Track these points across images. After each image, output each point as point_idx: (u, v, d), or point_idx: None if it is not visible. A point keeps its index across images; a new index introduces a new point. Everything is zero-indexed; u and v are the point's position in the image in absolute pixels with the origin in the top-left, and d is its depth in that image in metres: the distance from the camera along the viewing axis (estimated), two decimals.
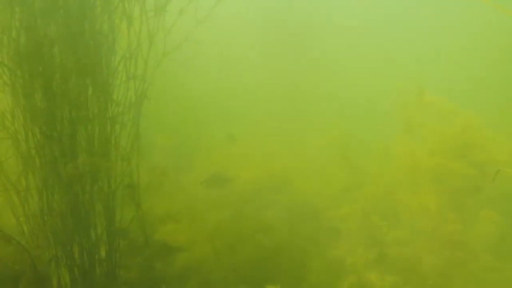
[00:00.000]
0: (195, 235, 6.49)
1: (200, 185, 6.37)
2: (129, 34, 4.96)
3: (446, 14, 7.23)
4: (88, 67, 4.86)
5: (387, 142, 6.17)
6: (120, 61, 4.97)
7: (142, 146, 4.94)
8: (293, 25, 7.52)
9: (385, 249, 5.07)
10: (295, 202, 6.91)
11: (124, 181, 5.00)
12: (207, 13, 4.76)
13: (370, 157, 6.34)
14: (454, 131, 5.75)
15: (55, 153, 4.84)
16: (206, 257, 6.30)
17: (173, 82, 5.84)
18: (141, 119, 4.96)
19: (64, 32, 4.78)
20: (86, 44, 4.83)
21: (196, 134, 7.18)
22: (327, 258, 5.17)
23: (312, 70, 7.04)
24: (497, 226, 5.37)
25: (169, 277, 5.68)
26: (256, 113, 7.45)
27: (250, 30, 7.41)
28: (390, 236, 5.18)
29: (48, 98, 4.79)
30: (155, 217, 5.60)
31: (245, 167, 7.41)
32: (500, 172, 3.91)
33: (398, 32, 6.93)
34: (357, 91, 6.85)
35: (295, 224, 6.36)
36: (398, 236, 5.24)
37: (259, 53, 7.46)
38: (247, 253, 6.39)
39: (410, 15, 7.21)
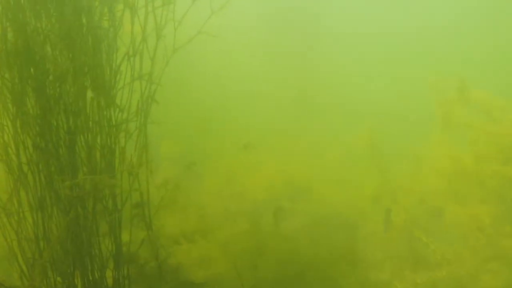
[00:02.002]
0: (211, 251, 5.90)
1: None
2: (133, 28, 4.30)
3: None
4: (87, 67, 4.17)
5: (423, 144, 5.52)
6: (123, 59, 4.30)
7: (151, 157, 4.31)
8: (310, 17, 6.87)
9: (436, 270, 4.41)
10: (316, 213, 6.28)
11: (131, 199, 4.35)
12: (224, 2, 4.11)
13: (403, 160, 5.68)
14: (504, 130, 5.08)
15: (51, 168, 4.20)
16: (225, 275, 5.72)
17: (181, 82, 5.19)
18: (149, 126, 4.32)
19: (58, 26, 4.12)
20: (84, 40, 4.14)
21: (206, 140, 6.54)
22: (369, 281, 4.50)
23: (333, 64, 6.39)
24: None
25: None
26: (269, 116, 6.80)
27: (261, 25, 6.77)
28: (438, 254, 4.51)
29: (42, 104, 4.12)
30: (167, 237, 4.98)
31: (259, 175, 6.79)
32: None
33: (434, 19, 6.29)
34: (388, 86, 6.21)
35: (321, 238, 5.73)
36: (448, 255, 4.57)
37: (270, 49, 6.83)
38: (270, 269, 5.79)
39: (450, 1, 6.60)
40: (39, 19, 4.09)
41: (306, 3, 6.83)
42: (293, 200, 6.67)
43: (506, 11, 6.52)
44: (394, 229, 4.97)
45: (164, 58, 4.33)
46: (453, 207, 4.96)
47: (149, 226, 4.36)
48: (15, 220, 4.22)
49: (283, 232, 6.28)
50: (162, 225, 4.97)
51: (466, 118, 5.28)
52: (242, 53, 6.07)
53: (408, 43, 6.13)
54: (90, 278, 4.33)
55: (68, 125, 4.21)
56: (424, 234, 4.65)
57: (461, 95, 5.41)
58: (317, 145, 6.29)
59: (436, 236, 4.63)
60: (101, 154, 4.30)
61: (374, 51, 6.43)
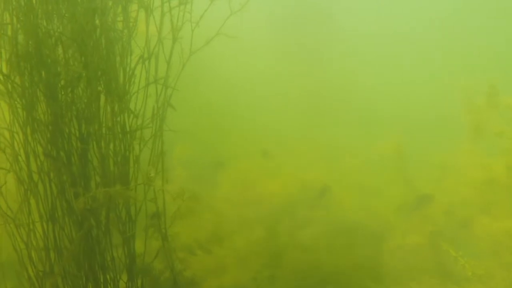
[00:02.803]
0: (227, 260, 5.70)
1: None
2: (148, 29, 4.11)
3: None
4: (100, 71, 4.02)
5: (450, 152, 5.26)
6: (138, 63, 4.12)
7: (167, 166, 4.11)
8: (327, 18, 6.62)
9: (465, 287, 4.14)
10: (336, 221, 6.05)
11: (146, 209, 4.17)
12: (243, 1, 3.89)
13: (430, 169, 5.42)
14: None
15: (62, 177, 4.02)
16: (242, 286, 5.52)
17: (194, 85, 4.98)
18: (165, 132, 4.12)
19: (70, 28, 3.95)
20: (97, 42, 3.98)
21: (220, 145, 6.33)
22: None
23: (353, 67, 6.14)
24: None
25: None
26: (286, 121, 6.56)
27: (276, 27, 6.53)
28: (469, 271, 4.25)
29: (53, 110, 3.96)
30: (182, 246, 4.77)
31: (275, 181, 6.57)
32: None
33: (461, 20, 6.01)
34: (413, 91, 5.93)
35: (341, 248, 5.50)
36: (479, 270, 4.30)
37: (286, 52, 6.59)
38: (288, 280, 5.57)
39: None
40: (50, 21, 3.94)
41: (322, 4, 6.59)
42: (311, 207, 6.46)
43: None
44: (420, 241, 4.71)
45: (180, 61, 4.15)
46: (482, 219, 4.69)
47: (165, 237, 4.17)
48: (25, 230, 4.06)
49: (301, 241, 6.07)
50: (176, 233, 4.79)
51: (496, 125, 5.00)
52: (257, 56, 5.86)
53: (434, 46, 5.86)
54: None
55: (80, 132, 4.04)
56: (453, 247, 4.38)
57: (491, 101, 5.14)
58: (336, 152, 6.05)
59: (466, 250, 4.36)
60: (115, 162, 4.13)
61: (397, 54, 6.16)
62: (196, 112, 5.68)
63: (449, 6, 5.93)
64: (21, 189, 3.88)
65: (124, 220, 4.27)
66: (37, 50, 3.84)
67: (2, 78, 3.80)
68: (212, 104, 6.02)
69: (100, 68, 3.98)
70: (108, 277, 4.27)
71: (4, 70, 3.80)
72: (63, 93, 3.91)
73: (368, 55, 6.13)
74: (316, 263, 5.34)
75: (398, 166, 5.46)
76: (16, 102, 3.90)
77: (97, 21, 3.95)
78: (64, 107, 3.92)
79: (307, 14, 6.35)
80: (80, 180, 4.04)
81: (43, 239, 4.09)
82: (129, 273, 4.34)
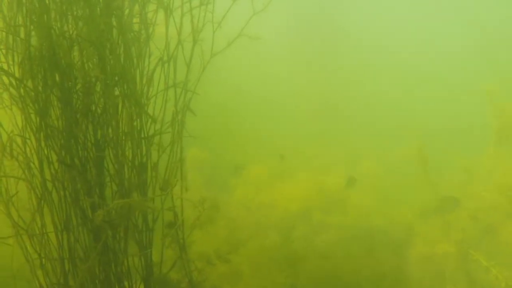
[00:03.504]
0: (242, 267, 5.53)
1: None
2: (168, 31, 3.92)
3: None
4: (117, 74, 3.84)
5: (476, 156, 5.08)
6: (157, 65, 3.94)
7: (186, 173, 3.93)
8: (349, 26, 6.39)
9: None
10: (354, 226, 5.86)
11: (164, 218, 3.99)
12: (268, 1, 3.71)
13: (454, 174, 5.24)
14: None
15: (77, 185, 3.84)
16: None
17: (214, 88, 4.80)
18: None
19: (86, 29, 3.78)
20: (114, 44, 3.81)
21: (234, 150, 6.15)
22: None
23: (375, 73, 5.94)
24: None
25: None
26: (301, 124, 6.37)
27: (297, 29, 6.32)
28: (502, 282, 4.05)
29: (67, 115, 3.78)
30: (199, 256, 4.60)
31: (290, 185, 6.38)
32: None
33: (488, 21, 5.81)
34: (436, 93, 5.74)
35: (361, 255, 5.32)
36: None
37: (302, 57, 6.38)
38: None
39: None
40: (65, 22, 3.75)
41: (337, 9, 6.38)
42: (328, 212, 6.28)
43: None
44: (448, 249, 4.52)
45: (201, 64, 3.97)
46: (510, 225, 4.53)
47: (183, 248, 4.00)
48: (38, 240, 3.89)
49: (318, 247, 5.89)
50: (192, 241, 4.62)
51: None
52: (276, 58, 5.67)
53: (458, 48, 5.67)
54: None
55: (96, 138, 3.86)
56: (483, 256, 4.18)
57: None
58: (355, 155, 5.87)
59: (497, 259, 4.18)
60: (131, 169, 3.95)
61: (421, 57, 5.97)
62: (210, 115, 5.50)
63: (473, 8, 5.74)
64: (34, 198, 3.72)
65: (141, 229, 4.12)
66: (51, 53, 3.68)
67: (14, 83, 3.63)
68: (226, 107, 5.84)
69: (117, 71, 3.83)
70: (126, 285, 4.12)
71: (17, 74, 3.63)
72: (78, 97, 3.75)
73: (390, 59, 5.94)
74: (335, 271, 5.16)
75: (421, 170, 5.28)
76: (28, 107, 3.74)
77: (114, 22, 3.80)
78: (79, 112, 3.77)
79: (326, 20, 6.16)
80: (95, 188, 3.88)
81: (57, 250, 3.93)
82: (146, 284, 4.18)
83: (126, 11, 3.83)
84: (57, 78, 3.70)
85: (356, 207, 5.93)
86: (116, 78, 3.73)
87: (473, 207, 4.89)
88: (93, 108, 3.76)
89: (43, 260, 3.87)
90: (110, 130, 3.83)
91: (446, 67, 5.79)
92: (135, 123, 3.94)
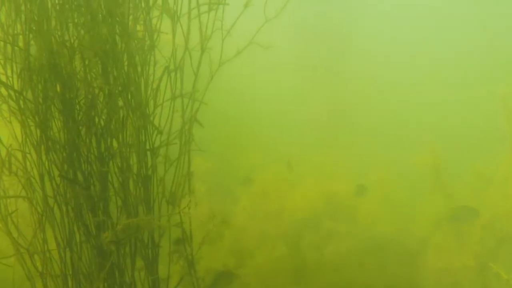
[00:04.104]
0: (249, 278, 5.37)
1: None
2: (174, 38, 3.74)
3: None
4: (120, 84, 3.67)
5: (492, 164, 4.93)
6: (163, 74, 3.77)
7: (195, 187, 3.77)
8: (359, 33, 6.20)
9: None
10: (364, 236, 5.69)
11: (171, 234, 3.83)
12: (280, 7, 3.53)
13: (469, 181, 5.08)
14: None
15: (80, 200, 3.67)
16: None
17: (221, 97, 4.61)
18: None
19: (88, 37, 3.60)
20: (117, 52, 3.63)
21: (240, 158, 5.97)
22: None
23: (388, 79, 5.75)
24: None
25: None
26: (308, 132, 6.19)
27: (306, 38, 6.12)
28: None
29: (69, 127, 3.61)
30: (209, 272, 4.44)
31: (297, 193, 6.22)
32: None
33: (503, 25, 5.62)
34: (450, 100, 5.57)
35: (372, 266, 5.16)
36: None
37: (309, 64, 6.19)
38: None
39: None
40: (66, 30, 3.57)
41: (345, 16, 6.19)
42: (337, 220, 6.12)
43: None
44: (462, 259, 4.36)
45: (209, 73, 3.79)
46: None
47: (191, 264, 3.83)
48: (40, 258, 3.72)
49: (328, 257, 5.72)
50: (200, 257, 4.45)
51: None
52: (285, 66, 5.49)
53: (472, 53, 5.50)
54: None
55: (99, 151, 3.69)
56: (503, 269, 4.01)
57: None
58: (365, 163, 5.70)
59: None
60: (137, 183, 3.78)
61: (435, 62, 5.79)
62: (216, 123, 5.32)
63: (487, 9, 5.56)
64: (35, 215, 3.55)
65: (147, 244, 3.95)
66: (51, 62, 3.50)
67: (13, 94, 3.45)
68: (233, 115, 5.67)
69: (121, 81, 3.65)
70: None
71: (15, 85, 3.46)
72: (80, 109, 3.58)
73: (400, 63, 5.76)
74: (345, 283, 5.01)
75: (434, 177, 5.11)
76: (29, 120, 3.57)
77: (117, 30, 3.62)
78: (82, 124, 3.60)
79: (334, 26, 5.98)
80: (99, 203, 3.72)
81: (60, 266, 3.77)
82: None
83: (130, 17, 3.68)
84: (58, 88, 3.56)
85: (367, 215, 5.76)
86: (120, 88, 3.57)
87: (489, 216, 4.74)
88: (96, 119, 3.61)
89: (46, 278, 3.73)
90: (114, 143, 3.68)
91: (458, 71, 5.63)
92: (141, 135, 3.79)
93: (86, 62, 3.29)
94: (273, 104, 5.86)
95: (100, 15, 3.54)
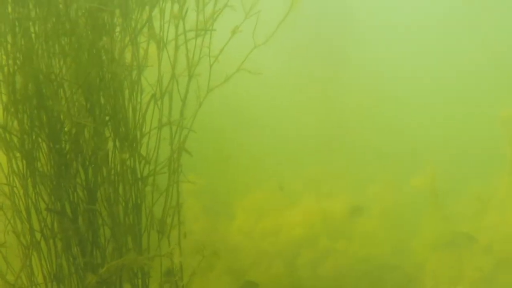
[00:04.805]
0: None
1: None
2: (161, 64, 3.69)
3: None
4: (107, 113, 3.62)
5: (491, 187, 4.83)
6: (150, 102, 3.71)
7: (185, 216, 3.70)
8: (354, 54, 6.11)
9: None
10: (361, 258, 5.59)
11: (162, 265, 3.76)
12: (270, 33, 3.47)
13: (468, 205, 4.98)
14: None
15: (68, 233, 3.61)
16: None
17: (212, 120, 4.54)
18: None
19: (74, 65, 3.55)
20: (103, 80, 3.58)
21: (235, 176, 5.91)
22: None
23: (384, 96, 5.66)
24: None
25: None
26: (304, 149, 6.09)
27: (298, 60, 6.04)
28: None
29: (56, 158, 3.56)
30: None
31: (293, 211, 6.14)
32: None
33: (504, 45, 5.48)
34: (449, 120, 5.47)
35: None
36: None
37: (301, 82, 6.11)
38: None
39: None
40: (52, 57, 3.51)
41: (339, 36, 6.11)
42: (333, 240, 6.03)
43: None
44: (459, 283, 4.25)
45: (197, 100, 3.73)
46: None
47: None
48: None
49: (323, 276, 5.65)
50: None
51: None
52: (275, 88, 5.42)
53: (472, 72, 5.41)
54: None
55: (87, 181, 3.63)
56: None
57: None
58: (360, 183, 5.62)
59: None
60: (125, 213, 3.72)
61: (432, 82, 5.69)
62: (207, 143, 5.25)
63: (488, 32, 5.47)
64: (21, 248, 3.48)
65: (136, 273, 3.88)
66: (37, 92, 3.45)
67: None
68: (225, 134, 5.60)
69: (108, 109, 3.60)
70: None
71: (0, 116, 3.40)
72: (67, 139, 3.52)
73: (398, 83, 5.67)
74: None
75: (432, 201, 5.01)
76: (13, 151, 3.50)
77: (103, 56, 3.56)
78: (68, 154, 3.53)
79: (328, 46, 5.91)
80: (88, 235, 3.65)
81: None
82: None
83: (118, 45, 3.63)
84: (44, 119, 3.50)
85: (364, 235, 5.68)
86: (107, 118, 3.51)
87: (487, 241, 4.64)
88: (84, 150, 3.55)
89: None
90: (99, 175, 3.61)
91: (458, 91, 5.52)
92: (128, 163, 3.73)
93: (68, 94, 3.24)
94: (269, 121, 5.80)
95: (85, 42, 3.51)
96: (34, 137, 3.42)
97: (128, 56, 3.61)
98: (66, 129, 3.39)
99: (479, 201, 4.92)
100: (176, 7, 3.46)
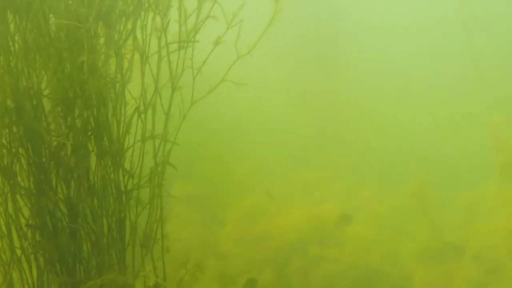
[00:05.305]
0: None
1: None
2: (144, 77, 3.63)
3: None
4: (90, 125, 3.56)
5: (480, 195, 4.80)
6: (133, 115, 3.65)
7: (169, 231, 3.65)
8: (342, 58, 6.05)
9: None
10: (352, 265, 5.55)
11: (145, 280, 3.70)
12: (252, 44, 3.42)
13: (457, 213, 4.94)
14: None
15: (49, 249, 3.55)
16: None
17: (195, 139, 4.47)
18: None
19: (55, 79, 3.48)
20: (85, 92, 3.52)
21: (224, 183, 5.85)
22: None
23: (374, 103, 5.61)
24: None
25: None
26: (295, 155, 6.06)
27: (284, 68, 5.97)
28: None
29: (36, 173, 3.50)
30: None
31: (284, 217, 6.09)
32: None
33: (495, 53, 5.42)
34: (439, 128, 5.43)
35: None
36: None
37: (292, 89, 6.05)
38: None
39: None
40: (33, 69, 3.45)
41: (332, 42, 6.03)
42: (324, 247, 6.00)
43: None
44: None
45: (181, 112, 3.67)
46: None
47: None
48: None
49: (313, 283, 5.61)
50: None
51: None
52: (263, 97, 5.37)
53: (464, 80, 5.36)
54: None
55: (69, 195, 3.57)
56: None
57: None
58: (351, 189, 5.57)
59: None
60: (109, 228, 3.66)
61: (421, 90, 5.66)
62: (196, 147, 5.20)
63: (477, 41, 5.43)
64: (2, 267, 3.42)
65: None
66: (18, 105, 3.38)
67: None
68: (215, 139, 5.54)
69: (90, 122, 3.54)
70: None
71: None
72: (47, 154, 3.46)
73: (388, 91, 5.64)
74: None
75: (421, 210, 4.97)
76: None
77: (85, 68, 3.49)
78: (49, 170, 3.47)
79: (317, 54, 5.86)
80: (70, 251, 3.59)
81: None
82: None
83: (101, 57, 3.57)
84: (21, 132, 3.43)
85: (354, 242, 5.65)
86: (89, 132, 3.45)
87: (476, 250, 4.61)
88: (64, 164, 3.49)
89: None
90: (84, 186, 3.56)
91: (447, 100, 5.49)
92: (112, 176, 3.67)
93: (48, 109, 3.18)
94: (255, 130, 5.75)
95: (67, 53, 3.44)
96: (13, 151, 3.39)
97: (111, 68, 3.58)
98: (45, 144, 3.34)
99: (467, 210, 4.90)
100: (158, 19, 3.43)
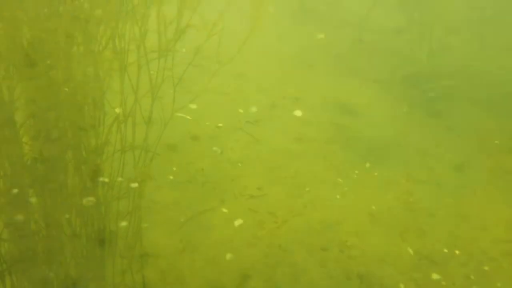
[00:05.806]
0: None
1: None
2: (123, 86, 3.55)
3: None
4: (67, 136, 3.48)
5: (467, 200, 4.74)
6: (112, 126, 3.58)
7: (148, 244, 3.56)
8: None
9: None
10: (347, 268, 5.47)
11: None
12: (233, 53, 3.35)
13: (445, 221, 4.87)
14: None
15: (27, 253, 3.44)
16: None
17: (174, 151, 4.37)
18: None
19: (29, 90, 3.39)
20: (63, 102, 3.43)
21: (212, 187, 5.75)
22: None
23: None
24: None
25: None
26: (281, 154, 5.99)
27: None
28: None
29: (7, 186, 3.40)
30: None
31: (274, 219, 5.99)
32: None
33: (485, 58, 5.29)
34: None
35: None
36: None
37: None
38: None
39: None
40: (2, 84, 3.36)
41: None
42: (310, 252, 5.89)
43: None
44: None
45: (161, 122, 3.60)
46: (506, 273, 4.17)
47: None
48: None
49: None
50: None
51: None
52: (240, 104, 5.27)
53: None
54: None
55: (45, 209, 3.47)
56: None
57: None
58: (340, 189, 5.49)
59: None
60: (87, 238, 3.57)
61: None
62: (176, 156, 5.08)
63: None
64: None
65: None
66: None
67: None
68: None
69: (68, 133, 3.45)
70: None
71: None
72: (22, 164, 3.37)
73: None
74: None
75: (408, 216, 4.89)
76: None
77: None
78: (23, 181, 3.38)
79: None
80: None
81: None
82: None
83: (80, 66, 3.48)
84: None
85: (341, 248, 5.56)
86: (67, 139, 3.37)
87: (466, 256, 4.54)
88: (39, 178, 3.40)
89: None
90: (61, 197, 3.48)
91: None
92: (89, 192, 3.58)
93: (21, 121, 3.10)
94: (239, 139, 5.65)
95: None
96: None
97: (90, 77, 3.50)
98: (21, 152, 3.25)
99: (456, 215, 4.84)
100: (136, 29, 3.35)
